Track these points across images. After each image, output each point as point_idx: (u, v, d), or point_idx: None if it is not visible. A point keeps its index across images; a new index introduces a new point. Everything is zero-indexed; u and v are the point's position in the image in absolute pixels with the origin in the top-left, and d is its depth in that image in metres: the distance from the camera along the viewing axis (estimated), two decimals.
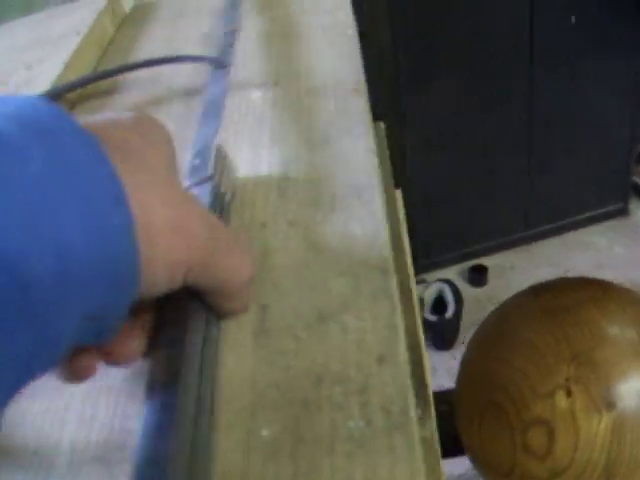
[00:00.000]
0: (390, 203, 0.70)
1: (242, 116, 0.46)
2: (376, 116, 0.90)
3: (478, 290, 1.80)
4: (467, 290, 1.79)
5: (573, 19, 1.60)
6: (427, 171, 1.68)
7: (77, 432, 0.29)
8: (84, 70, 0.56)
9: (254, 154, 0.42)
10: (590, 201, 1.96)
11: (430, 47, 1.54)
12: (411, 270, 0.68)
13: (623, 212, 2.01)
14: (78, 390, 0.30)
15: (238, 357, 0.30)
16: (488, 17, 1.58)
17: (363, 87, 0.49)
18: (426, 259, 1.82)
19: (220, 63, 0.48)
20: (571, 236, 1.96)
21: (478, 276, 1.82)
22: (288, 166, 0.41)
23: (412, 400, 0.27)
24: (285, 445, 0.26)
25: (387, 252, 0.34)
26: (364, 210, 0.36)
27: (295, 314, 0.31)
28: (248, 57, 0.53)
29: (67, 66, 0.54)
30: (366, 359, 0.28)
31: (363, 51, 0.53)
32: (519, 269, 1.63)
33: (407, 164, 1.63)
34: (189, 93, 0.51)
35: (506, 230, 1.91)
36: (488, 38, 1.59)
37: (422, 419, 0.45)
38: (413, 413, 0.27)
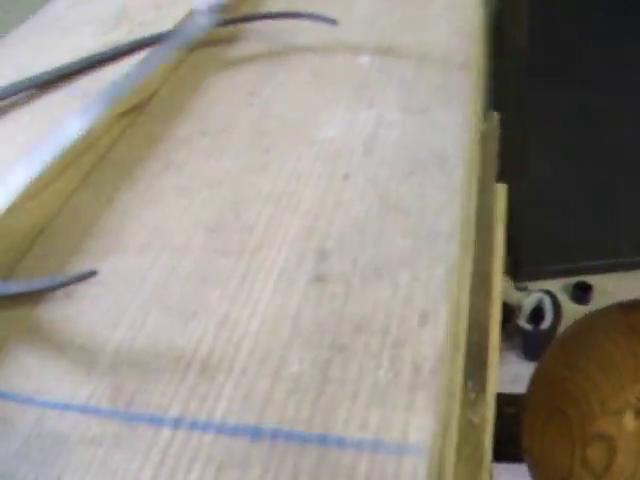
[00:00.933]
0: (485, 194, 0.69)
1: (347, 78, 0.47)
2: (497, 106, 0.89)
3: (579, 307, 1.74)
4: (568, 306, 1.74)
5: None
6: (546, 175, 1.62)
7: (125, 337, 0.31)
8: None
9: (351, 113, 0.43)
10: None
11: (569, 45, 1.49)
12: (498, 263, 0.67)
13: None
14: (137, 298, 0.32)
15: (288, 293, 0.31)
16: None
17: (474, 65, 0.48)
18: (531, 267, 1.77)
19: (329, 21, 0.49)
20: None
21: (581, 293, 1.76)
22: (380, 128, 0.41)
23: (446, 365, 0.27)
24: (312, 382, 0.27)
25: (456, 222, 0.34)
26: (443, 178, 0.36)
27: (353, 264, 0.32)
28: (364, 19, 0.54)
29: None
30: (410, 315, 0.29)
31: (495, 41, 0.52)
32: (624, 292, 1.55)
33: (526, 164, 1.58)
34: (302, 49, 0.52)
35: (616, 252, 1.83)
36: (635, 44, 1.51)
37: (474, 402, 0.45)
38: (442, 375, 0.27)
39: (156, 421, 0.27)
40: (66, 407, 0.28)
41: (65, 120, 0.38)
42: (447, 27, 0.52)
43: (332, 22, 0.48)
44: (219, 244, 0.34)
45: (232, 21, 0.53)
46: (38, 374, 0.30)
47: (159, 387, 0.28)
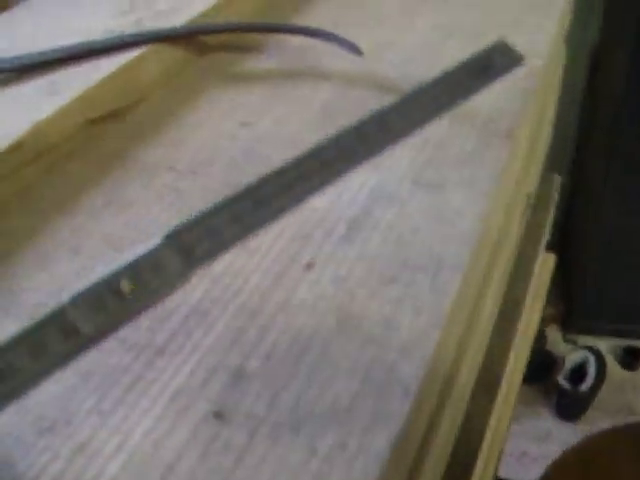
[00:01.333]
0: (522, 268, 0.60)
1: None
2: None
3: (626, 373, 1.61)
4: (614, 368, 1.61)
5: None
6: (618, 225, 1.48)
7: None
8: (245, 13, 0.51)
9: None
10: None
11: None
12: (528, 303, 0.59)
13: None
14: None
15: (173, 429, 0.23)
16: None
17: (524, 134, 0.40)
18: (584, 320, 1.65)
19: (353, 49, 0.41)
20: None
21: (630, 359, 1.63)
22: (376, 203, 0.33)
23: None
24: None
25: (423, 364, 0.26)
26: (430, 296, 0.28)
27: (269, 403, 0.24)
28: (410, 53, 0.45)
29: (222, 4, 0.49)
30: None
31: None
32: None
33: (601, 200, 1.45)
34: (325, 75, 0.44)
35: None
36: None
37: None
38: None
39: None
40: None
41: None
42: (501, 79, 0.43)
43: (358, 52, 0.40)
44: (118, 331, 0.27)
45: (253, 28, 0.46)
46: None
47: None
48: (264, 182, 0.29)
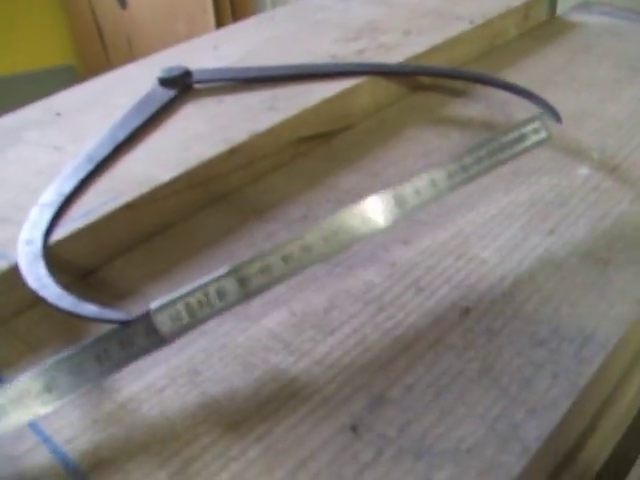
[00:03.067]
0: None
1: (547, 188, 0.40)
2: None
3: None
4: None
5: None
6: None
7: None
8: (458, 59, 0.54)
9: (522, 234, 0.36)
10: None
11: None
12: None
13: None
14: None
15: (312, 431, 0.27)
16: None
17: None
18: None
19: (554, 115, 0.42)
20: None
21: None
22: (541, 269, 0.34)
23: None
24: None
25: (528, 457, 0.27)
26: (574, 366, 0.29)
27: (400, 428, 0.27)
28: (612, 123, 0.46)
29: (438, 47, 0.52)
30: None
31: None
32: None
33: None
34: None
35: None
36: None
37: None
38: None
39: None
40: (45, 440, 0.27)
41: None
42: None
43: (557, 119, 0.42)
44: (287, 334, 0.31)
45: (464, 76, 0.48)
46: None
47: (128, 466, 0.25)
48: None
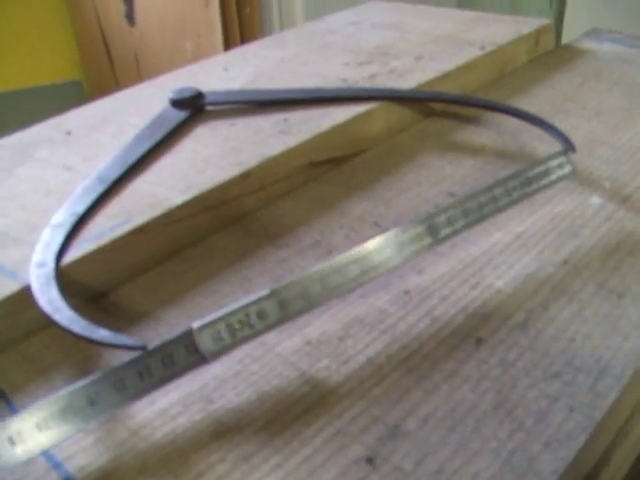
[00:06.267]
0: None
1: (562, 216, 0.40)
2: None
3: None
4: None
5: None
6: None
7: None
8: (469, 85, 0.54)
9: (536, 264, 0.36)
10: None
11: None
12: None
13: None
14: None
15: (328, 461, 0.26)
16: None
17: None
18: None
19: (567, 144, 0.42)
20: None
21: None
22: (556, 299, 0.34)
23: None
24: None
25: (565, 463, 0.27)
26: (590, 398, 0.29)
27: (416, 462, 0.26)
28: (624, 152, 0.46)
29: (450, 74, 0.52)
30: None
31: None
32: None
33: None
34: (530, 158, 0.45)
35: None
36: None
37: None
38: None
39: None
40: (56, 466, 0.26)
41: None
42: None
43: (571, 148, 0.42)
44: (302, 363, 0.31)
45: (476, 103, 0.48)
46: None
47: None
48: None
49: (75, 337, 0.29)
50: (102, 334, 0.29)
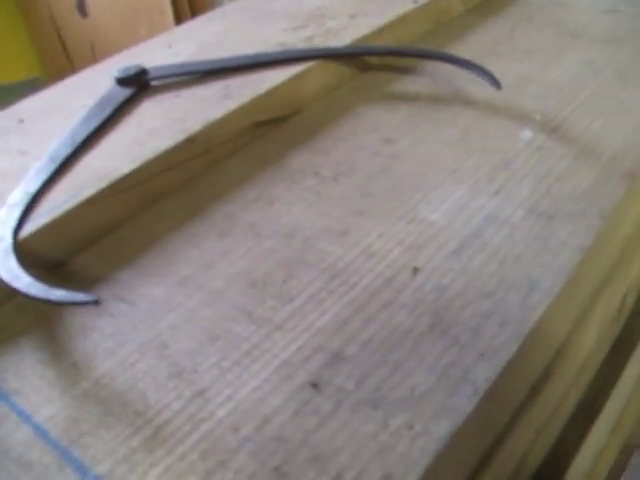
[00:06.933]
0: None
1: (493, 151, 0.42)
2: None
3: None
4: None
5: None
6: None
7: (112, 370, 0.30)
8: (405, 38, 0.56)
9: (470, 196, 0.38)
10: None
11: None
12: None
13: None
14: (142, 333, 0.32)
15: (275, 389, 0.28)
16: None
17: None
18: None
19: (494, 82, 0.44)
20: None
21: None
22: (488, 225, 0.36)
23: None
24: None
25: (496, 371, 0.29)
26: (519, 312, 0.31)
27: (357, 382, 0.29)
28: (555, 86, 0.48)
29: (384, 28, 0.53)
30: (374, 472, 0.25)
31: None
32: None
33: None
34: (468, 101, 0.47)
35: None
36: None
37: None
38: None
39: (81, 471, 0.26)
40: (27, 418, 0.28)
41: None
42: (635, 122, 0.44)
43: (497, 85, 0.44)
44: (249, 305, 0.33)
45: (409, 53, 0.50)
46: (25, 375, 0.30)
47: (105, 437, 0.27)
48: None
49: (34, 300, 0.31)
50: (58, 294, 0.31)
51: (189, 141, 0.41)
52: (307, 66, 0.48)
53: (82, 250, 0.38)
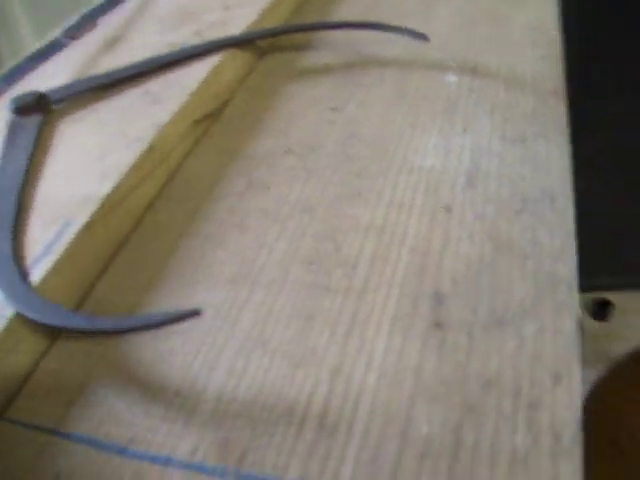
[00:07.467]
0: None
1: (435, 98, 0.44)
2: None
3: (597, 324, 1.71)
4: (587, 322, 1.70)
5: None
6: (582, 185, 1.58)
7: (225, 382, 0.28)
8: (279, 20, 0.56)
9: (445, 138, 0.40)
10: None
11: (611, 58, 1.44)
12: None
13: None
14: (233, 338, 0.30)
15: (406, 341, 0.28)
16: None
17: (562, 91, 0.46)
18: None
19: (419, 36, 0.46)
20: None
21: (601, 310, 1.73)
22: (479, 158, 0.38)
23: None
24: (444, 446, 0.24)
25: (574, 267, 0.31)
26: (555, 219, 0.34)
27: (472, 311, 0.29)
28: (447, 37, 0.51)
29: (265, 12, 0.53)
30: (541, 374, 0.26)
31: None
32: None
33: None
34: (381, 62, 0.49)
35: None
36: None
37: None
38: (580, 440, 0.24)
39: None
40: (167, 462, 0.25)
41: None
42: (532, 50, 0.49)
43: (421, 37, 0.46)
44: (320, 280, 0.32)
45: (303, 28, 0.51)
46: (130, 421, 0.27)
47: (273, 443, 0.25)
48: None
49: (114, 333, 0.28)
50: (150, 317, 0.28)
51: (150, 150, 0.39)
52: (219, 58, 0.47)
53: (95, 284, 0.34)
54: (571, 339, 0.28)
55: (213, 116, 0.45)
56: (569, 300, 0.29)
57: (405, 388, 0.26)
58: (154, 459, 0.25)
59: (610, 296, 1.72)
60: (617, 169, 1.54)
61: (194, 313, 0.27)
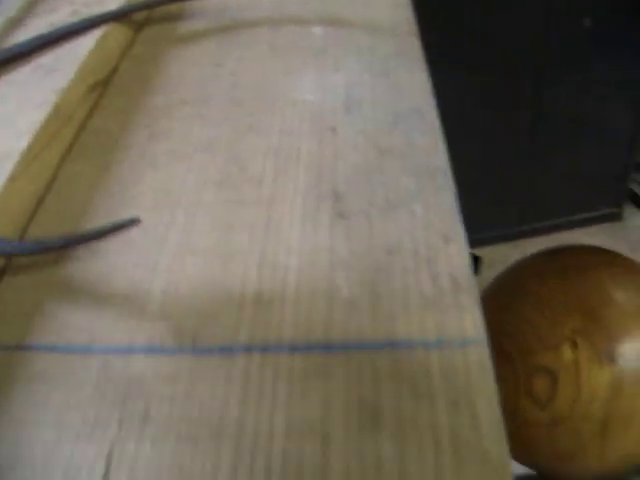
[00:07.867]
0: None
1: (305, 48, 0.49)
2: None
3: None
4: None
5: (587, 21, 1.64)
6: None
7: (167, 283, 0.32)
8: None
9: (320, 77, 0.45)
10: (586, 203, 2.01)
11: (438, 43, 1.56)
12: None
13: (617, 217, 2.06)
14: (167, 249, 0.33)
15: (316, 231, 0.33)
16: (502, 16, 1.61)
17: (416, 32, 0.52)
18: None
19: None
20: (564, 235, 2.00)
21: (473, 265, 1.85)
22: (353, 89, 0.44)
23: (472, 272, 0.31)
24: (365, 300, 0.29)
25: (445, 159, 0.37)
26: (425, 126, 0.40)
27: (367, 201, 0.34)
28: None
29: None
30: (433, 238, 0.32)
31: None
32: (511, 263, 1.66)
33: None
34: (252, 23, 0.54)
35: (501, 224, 1.96)
36: (499, 36, 1.62)
37: None
38: (474, 281, 0.30)
39: (227, 350, 0.28)
40: (129, 350, 0.29)
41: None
42: (385, 1, 0.55)
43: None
44: (232, 196, 0.36)
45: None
46: (89, 326, 0.30)
47: (220, 321, 0.29)
48: None
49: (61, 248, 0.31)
50: (92, 229, 0.31)
51: (56, 109, 0.41)
52: (100, 32, 0.50)
53: (27, 226, 0.37)
54: (453, 210, 0.33)
55: (104, 83, 0.48)
56: (446, 182, 0.35)
57: (323, 264, 0.31)
58: (117, 350, 0.29)
59: (478, 252, 1.86)
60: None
61: (133, 221, 0.31)
